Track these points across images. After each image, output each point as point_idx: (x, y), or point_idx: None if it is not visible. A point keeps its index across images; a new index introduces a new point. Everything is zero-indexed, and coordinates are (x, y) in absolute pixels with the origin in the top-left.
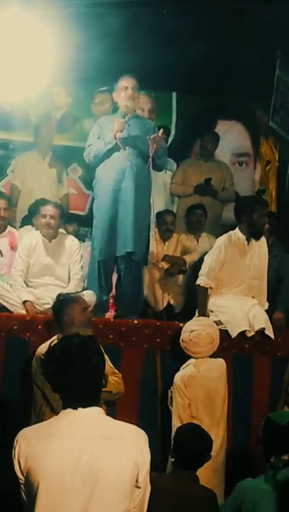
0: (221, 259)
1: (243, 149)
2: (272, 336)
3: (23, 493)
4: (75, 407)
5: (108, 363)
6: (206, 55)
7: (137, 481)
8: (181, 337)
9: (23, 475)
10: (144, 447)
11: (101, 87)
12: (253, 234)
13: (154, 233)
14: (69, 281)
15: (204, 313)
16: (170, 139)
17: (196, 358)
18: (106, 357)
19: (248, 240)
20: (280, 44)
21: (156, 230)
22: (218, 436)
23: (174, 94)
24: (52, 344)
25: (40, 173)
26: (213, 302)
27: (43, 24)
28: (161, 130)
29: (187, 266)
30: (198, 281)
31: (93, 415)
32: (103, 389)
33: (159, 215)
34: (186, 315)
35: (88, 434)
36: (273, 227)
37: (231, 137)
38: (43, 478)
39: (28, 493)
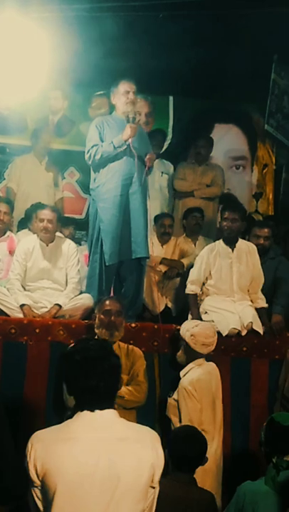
0: (204, 268)
1: (240, 153)
2: (260, 331)
3: (35, 497)
4: (92, 410)
5: (140, 371)
6: (202, 58)
7: (152, 481)
8: (186, 336)
9: (38, 478)
10: (158, 448)
11: (97, 91)
12: (224, 240)
13: (152, 236)
14: (66, 285)
15: (197, 317)
16: (167, 143)
17: (202, 357)
18: (143, 362)
19: (232, 248)
20: (275, 48)
21: (156, 233)
22: (219, 440)
23: (171, 98)
24: (69, 347)
25: (37, 176)
26: (207, 303)
27: (39, 28)
28: (153, 154)
29: (185, 269)
30: (186, 290)
31: (109, 418)
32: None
33: (157, 218)
34: (184, 318)
35: (106, 437)
36: (273, 231)
37: (228, 141)
38: (61, 482)
39: (44, 496)
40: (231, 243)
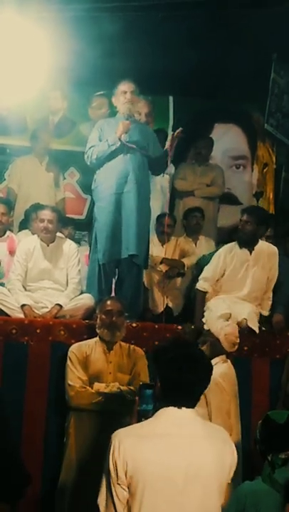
0: (220, 266)
1: (240, 152)
2: (256, 329)
3: (114, 496)
4: (178, 406)
5: (142, 370)
6: (202, 58)
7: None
8: (221, 335)
9: (125, 475)
10: (234, 447)
11: (97, 91)
12: (240, 242)
13: (153, 236)
14: (67, 285)
15: (201, 316)
16: (167, 143)
17: (228, 354)
18: (145, 362)
19: (250, 250)
20: (275, 47)
21: (156, 233)
22: (239, 431)
23: (171, 98)
24: (164, 346)
25: (37, 177)
26: (211, 302)
27: (38, 28)
28: (180, 128)
29: (186, 269)
30: (197, 285)
31: (191, 416)
32: None
33: (158, 218)
34: (185, 318)
35: (189, 434)
36: (273, 231)
37: (228, 140)
38: (149, 478)
39: (130, 493)
40: (248, 245)
